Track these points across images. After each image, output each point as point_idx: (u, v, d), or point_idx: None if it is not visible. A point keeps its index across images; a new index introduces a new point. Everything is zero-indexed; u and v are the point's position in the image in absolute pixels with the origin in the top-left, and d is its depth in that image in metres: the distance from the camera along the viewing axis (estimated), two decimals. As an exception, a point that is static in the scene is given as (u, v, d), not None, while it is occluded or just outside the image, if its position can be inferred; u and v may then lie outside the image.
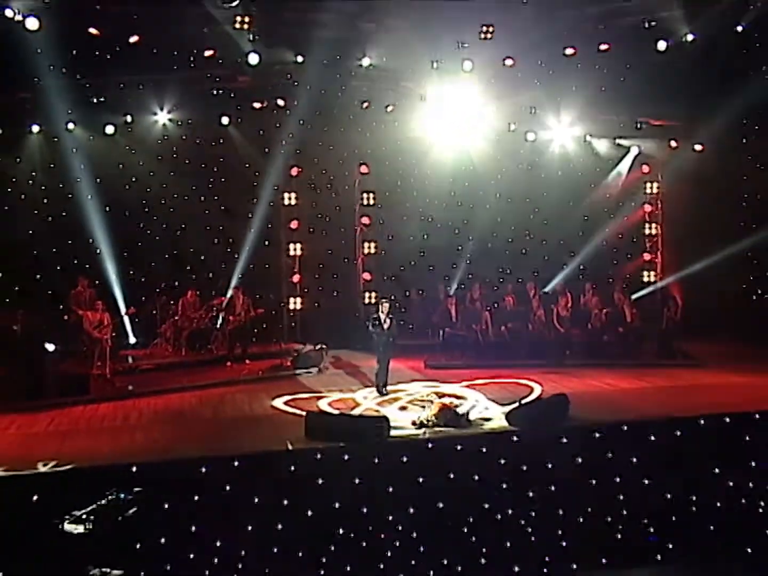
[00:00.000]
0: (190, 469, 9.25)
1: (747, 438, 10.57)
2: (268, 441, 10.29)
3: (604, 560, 9.80)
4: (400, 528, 9.63)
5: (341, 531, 9.49)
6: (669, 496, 10.28)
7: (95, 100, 14.83)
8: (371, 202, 18.41)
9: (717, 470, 10.43)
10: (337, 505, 9.51)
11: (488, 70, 15.11)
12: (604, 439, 10.35)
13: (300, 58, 14.25)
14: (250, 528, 9.23)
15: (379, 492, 9.65)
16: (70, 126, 15.36)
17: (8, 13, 11.67)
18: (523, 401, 11.44)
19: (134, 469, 8.95)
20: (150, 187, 16.93)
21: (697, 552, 9.93)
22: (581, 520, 10.05)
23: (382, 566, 9.46)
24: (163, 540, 8.89)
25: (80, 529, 7.89)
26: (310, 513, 9.41)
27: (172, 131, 16.52)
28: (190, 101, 15.85)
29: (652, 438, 10.42)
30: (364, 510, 9.59)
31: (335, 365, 15.54)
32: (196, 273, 17.19)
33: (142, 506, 8.57)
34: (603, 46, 14.44)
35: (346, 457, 9.70)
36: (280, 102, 16.15)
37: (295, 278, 18.04)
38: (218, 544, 9.10)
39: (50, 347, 13.04)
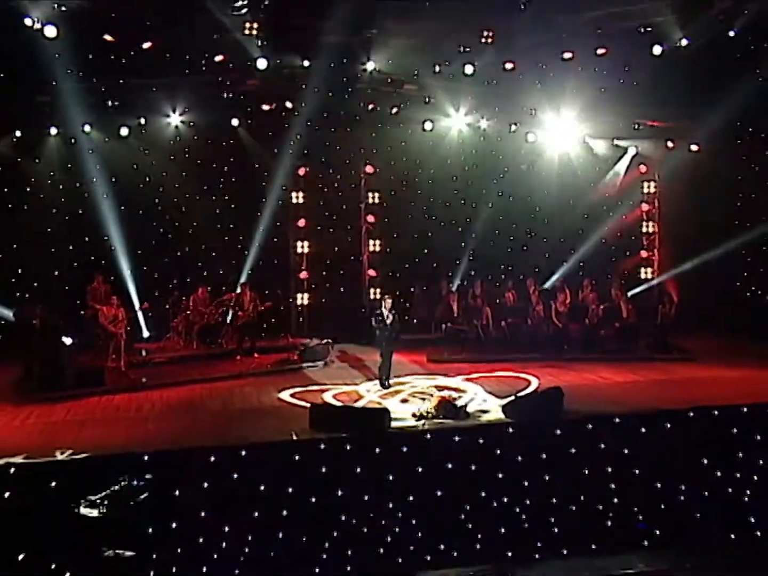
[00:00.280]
0: (200, 458, 9.37)
1: (734, 430, 10.63)
2: (274, 431, 10.34)
3: (593, 546, 9.90)
4: (399, 515, 9.76)
5: (343, 517, 9.63)
6: (658, 485, 10.34)
7: (110, 104, 14.85)
8: (376, 200, 18.47)
9: (705, 461, 10.49)
10: (339, 492, 9.63)
11: (489, 73, 15.14)
12: (596, 431, 10.42)
13: (306, 63, 14.29)
14: (256, 514, 9.36)
15: (379, 481, 9.78)
16: (87, 128, 15.45)
17: (28, 21, 11.76)
18: (518, 394, 11.49)
19: (146, 457, 9.09)
20: (163, 187, 16.99)
21: (683, 538, 10.00)
22: (573, 508, 10.15)
23: (382, 551, 9.58)
24: (173, 525, 9.03)
25: (95, 513, 8.02)
26: (313, 500, 9.54)
27: (184, 133, 16.50)
28: (202, 104, 15.83)
29: (643, 430, 10.50)
30: (366, 498, 9.69)
31: (341, 359, 15.53)
32: (207, 269, 17.20)
33: (154, 492, 8.68)
34: (600, 51, 14.44)
35: (348, 447, 9.81)
36: (288, 104, 16.12)
37: (303, 275, 18.08)
38: (226, 529, 9.23)
39: (67, 341, 13.10)
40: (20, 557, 8.48)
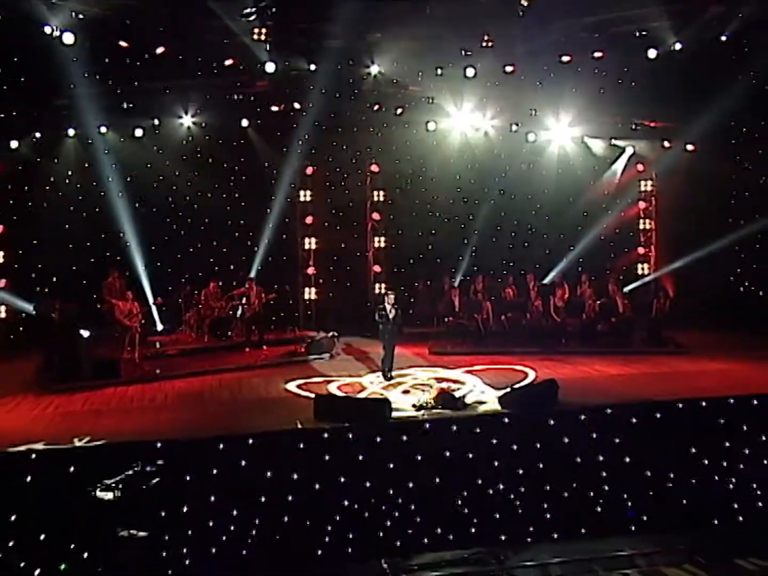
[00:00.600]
0: (210, 446, 9.47)
1: (721, 421, 10.71)
2: (281, 421, 10.40)
3: (583, 530, 10.01)
4: (399, 501, 9.86)
5: (345, 503, 9.72)
6: (648, 473, 10.42)
7: (125, 106, 14.91)
8: (381, 198, 18.53)
9: (693, 450, 10.56)
10: (342, 479, 9.72)
11: (490, 75, 15.16)
12: (588, 421, 10.48)
13: (313, 66, 14.34)
14: (263, 499, 9.48)
15: (380, 468, 9.86)
16: (103, 129, 15.54)
17: (47, 29, 11.88)
18: (514, 386, 11.55)
19: (158, 444, 9.23)
20: (176, 185, 17.08)
21: (670, 524, 10.09)
22: (565, 494, 10.22)
23: (381, 534, 9.70)
24: (184, 508, 9.16)
25: (110, 496, 8.18)
26: (317, 486, 9.64)
27: (196, 133, 16.57)
28: (213, 105, 15.92)
29: (633, 420, 10.56)
30: (367, 484, 9.79)
31: (346, 351, 15.57)
32: (218, 265, 17.22)
33: (166, 478, 8.81)
34: (597, 54, 14.50)
35: (350, 436, 9.90)
36: (296, 105, 16.13)
37: (310, 270, 18.19)
38: (234, 513, 9.34)
39: (85, 334, 13.18)
40: (41, 537, 8.70)
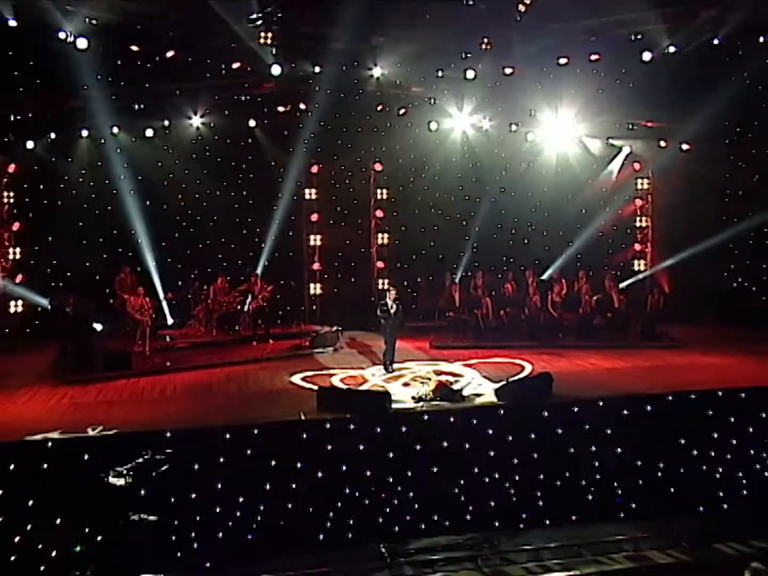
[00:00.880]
0: (216, 435, 9.61)
1: (710, 413, 10.86)
2: (285, 412, 10.54)
3: (573, 517, 10.18)
4: (398, 488, 10.02)
5: (347, 490, 9.87)
6: (639, 463, 10.59)
7: (136, 107, 14.94)
8: (385, 196, 18.55)
9: (682, 441, 10.73)
10: (343, 468, 9.87)
11: (490, 77, 15.21)
12: (581, 413, 10.64)
13: (318, 69, 14.40)
14: (267, 487, 9.63)
15: (380, 457, 10.00)
16: (115, 130, 15.58)
17: (61, 35, 12.05)
18: (510, 379, 11.68)
19: (168, 434, 9.38)
20: (185, 184, 17.09)
21: (658, 511, 10.25)
22: (558, 483, 10.40)
23: (380, 520, 9.89)
24: (193, 495, 9.34)
25: (122, 482, 8.32)
26: (320, 474, 9.80)
27: (205, 133, 16.57)
28: (221, 106, 15.94)
29: (625, 412, 10.70)
30: (367, 473, 9.95)
31: (349, 345, 15.66)
32: (226, 261, 17.23)
33: (175, 466, 8.93)
34: (594, 57, 14.57)
35: (351, 426, 10.05)
36: (302, 106, 16.15)
37: (315, 266, 18.26)
38: (240, 500, 9.51)
39: (98, 327, 13.39)
40: (57, 521, 8.91)
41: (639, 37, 13.95)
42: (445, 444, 10.27)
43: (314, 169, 18.18)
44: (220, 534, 9.42)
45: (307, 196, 18.26)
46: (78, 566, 8.56)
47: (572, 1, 12.46)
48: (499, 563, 9.08)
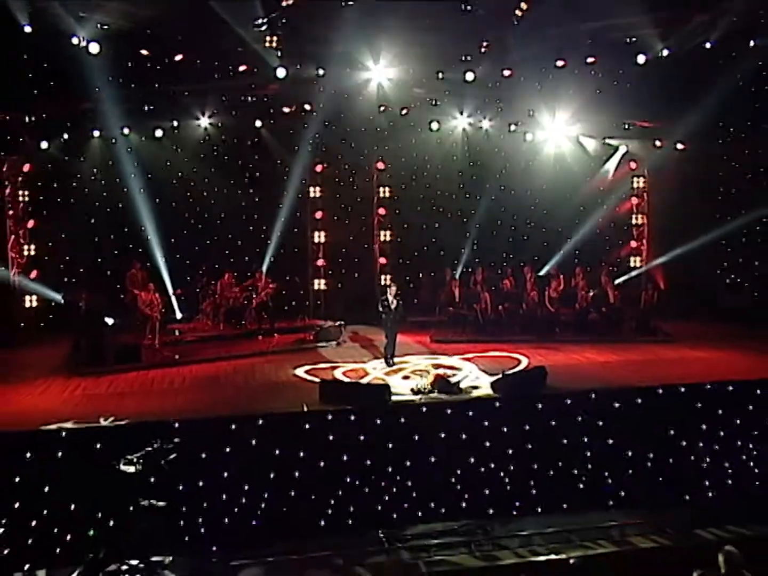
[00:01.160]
0: (223, 425, 9.79)
1: (698, 405, 11.04)
2: (289, 403, 10.71)
3: (565, 505, 10.36)
4: (397, 478, 10.21)
5: (347, 479, 10.05)
6: (629, 453, 10.75)
7: (146, 109, 14.99)
8: (387, 194, 18.62)
9: (671, 432, 10.89)
10: (344, 457, 10.05)
11: (490, 78, 15.27)
12: (574, 405, 10.80)
13: (321, 72, 14.44)
14: (272, 475, 9.82)
15: (379, 448, 10.17)
16: (125, 131, 15.60)
17: (75, 40, 12.23)
18: (506, 372, 11.82)
19: (176, 424, 9.55)
20: (193, 182, 17.16)
21: (648, 500, 10.43)
22: (551, 473, 10.57)
23: (379, 508, 10.07)
24: (200, 482, 9.55)
25: (132, 470, 8.42)
26: (321, 464, 9.96)
27: (213, 134, 16.67)
28: (228, 107, 15.97)
29: (616, 404, 10.86)
30: (367, 462, 10.13)
31: (352, 339, 15.74)
32: (233, 257, 17.29)
33: (183, 455, 8.99)
34: (590, 59, 14.71)
35: (352, 418, 10.21)
36: (307, 106, 16.14)
37: (320, 262, 18.33)
38: (245, 487, 9.69)
39: (109, 321, 13.51)
40: (72, 507, 9.14)
41: (633, 40, 14.09)
42: (442, 435, 10.41)
43: (318, 167, 18.24)
44: (226, 520, 9.60)
45: (312, 194, 18.33)
46: (91, 549, 8.73)
47: (567, 7, 12.53)
48: (491, 548, 9.24)
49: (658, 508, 10.17)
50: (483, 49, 14.53)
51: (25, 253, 16.41)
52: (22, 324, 16.06)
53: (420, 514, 10.14)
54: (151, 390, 11.92)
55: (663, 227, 18.37)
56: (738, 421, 11.17)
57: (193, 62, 14.05)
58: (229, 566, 8.95)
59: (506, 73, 15.19)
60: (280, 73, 14.00)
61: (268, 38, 13.50)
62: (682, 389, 11.17)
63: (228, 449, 9.74)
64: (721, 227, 16.54)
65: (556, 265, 17.76)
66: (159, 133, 16.19)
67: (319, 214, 18.41)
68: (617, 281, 17.32)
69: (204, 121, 16.36)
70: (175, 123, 16.18)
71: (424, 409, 10.67)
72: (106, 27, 12.49)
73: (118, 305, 15.06)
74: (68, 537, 9.13)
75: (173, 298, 16.38)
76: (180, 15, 12.75)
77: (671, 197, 17.68)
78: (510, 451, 10.61)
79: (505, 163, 18.58)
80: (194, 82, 14.68)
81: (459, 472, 10.43)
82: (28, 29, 11.95)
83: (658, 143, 17.48)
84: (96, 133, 15.88)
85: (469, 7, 12.73)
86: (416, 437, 10.37)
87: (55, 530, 9.13)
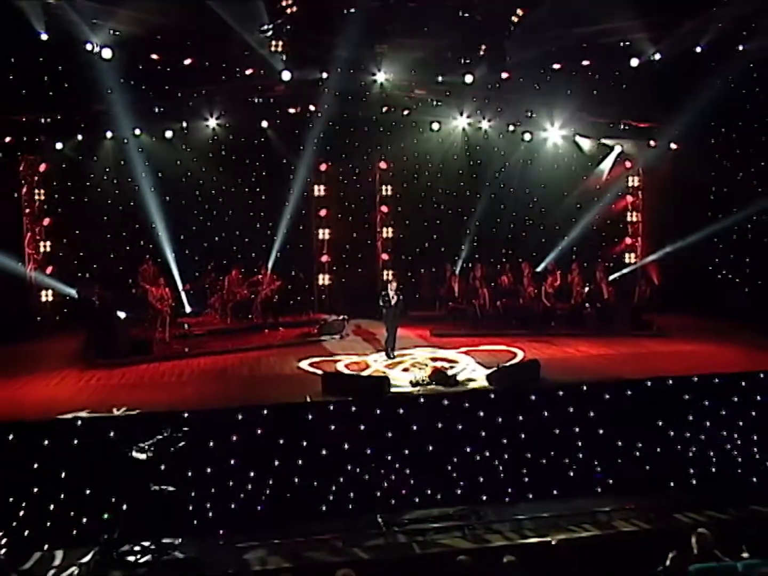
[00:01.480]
0: (229, 416, 9.96)
1: (686, 397, 11.26)
2: (292, 395, 10.89)
3: (555, 492, 10.60)
4: (396, 466, 10.37)
5: (348, 467, 10.23)
6: (619, 443, 10.95)
7: (157, 111, 15.13)
8: (389, 192, 18.82)
9: (659, 423, 11.09)
10: (345, 446, 10.22)
11: (488, 81, 15.32)
12: (566, 397, 10.98)
13: (325, 75, 14.57)
14: (276, 463, 9.97)
15: (379, 437, 10.35)
16: (137, 132, 15.74)
17: (88, 46, 12.44)
18: (501, 365, 12.09)
19: (185, 414, 9.75)
20: (202, 181, 17.27)
21: (636, 487, 10.63)
22: (543, 461, 10.78)
23: (378, 494, 10.26)
24: (208, 470, 9.75)
25: (144, 457, 8.69)
26: (324, 452, 10.14)
27: (220, 134, 16.72)
28: (235, 109, 16.09)
29: (607, 396, 11.06)
30: (368, 451, 10.32)
31: (355, 333, 15.94)
32: (240, 253, 17.48)
33: (192, 443, 9.25)
34: (585, 62, 14.84)
35: (353, 408, 10.40)
36: (311, 107, 16.29)
37: (324, 258, 18.52)
38: (251, 474, 9.87)
39: (122, 315, 13.66)
40: (87, 492, 9.39)
41: (626, 44, 14.12)
42: (439, 425, 10.58)
43: (323, 166, 18.39)
44: (232, 504, 9.80)
45: (316, 193, 18.48)
46: (106, 531, 9.00)
47: (561, 13, 12.69)
48: (483, 532, 9.46)
49: (645, 494, 10.36)
50: (481, 53, 14.58)
51: (41, 249, 16.69)
52: (39, 318, 16.34)
53: (417, 499, 10.30)
54: (161, 381, 12.10)
55: (657, 224, 18.50)
56: (723, 412, 11.38)
57: (202, 66, 14.16)
58: (235, 548, 9.11)
59: (504, 75, 15.26)
60: (285, 76, 14.13)
61: (273, 43, 13.62)
62: (670, 381, 11.34)
63: (234, 438, 9.93)
64: (713, 224, 16.63)
65: (553, 261, 17.90)
66: (169, 134, 16.33)
67: (323, 212, 18.56)
68: (612, 277, 17.48)
69: (212, 122, 16.38)
70: (185, 124, 16.27)
71: (422, 400, 10.83)
72: (118, 33, 12.66)
73: (130, 300, 15.21)
74: (84, 520, 9.36)
75: (183, 293, 16.60)
76: (188, 21, 12.89)
77: (665, 195, 17.84)
78: (504, 441, 10.77)
79: (504, 162, 18.72)
80: (202, 85, 14.91)
81: (454, 460, 10.59)
82: (44, 36, 12.14)
83: (652, 143, 17.57)
84: (109, 134, 16.02)
85: (467, 13, 12.87)
86: (414, 427, 10.54)
87: (72, 513, 9.35)
